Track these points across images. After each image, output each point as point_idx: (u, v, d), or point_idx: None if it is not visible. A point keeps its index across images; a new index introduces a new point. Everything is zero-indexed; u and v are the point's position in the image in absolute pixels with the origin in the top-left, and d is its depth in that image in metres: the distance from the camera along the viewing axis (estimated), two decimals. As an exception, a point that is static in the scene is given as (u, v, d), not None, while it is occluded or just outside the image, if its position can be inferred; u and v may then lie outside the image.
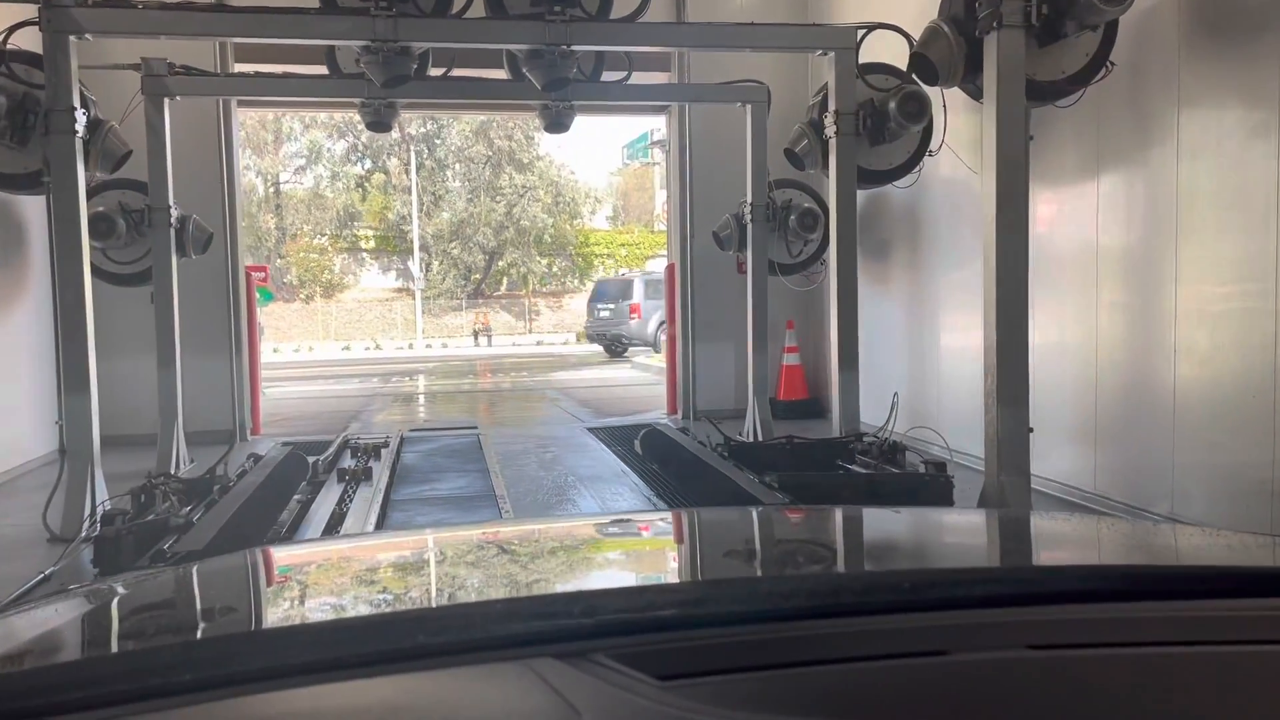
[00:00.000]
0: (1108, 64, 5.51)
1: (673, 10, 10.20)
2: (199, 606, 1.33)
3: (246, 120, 41.22)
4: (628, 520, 2.10)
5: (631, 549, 1.62)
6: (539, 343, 39.51)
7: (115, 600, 1.34)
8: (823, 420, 10.85)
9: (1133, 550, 1.49)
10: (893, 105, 7.18)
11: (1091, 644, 0.93)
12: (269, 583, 1.42)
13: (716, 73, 9.90)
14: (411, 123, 43.47)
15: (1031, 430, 5.39)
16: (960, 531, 1.68)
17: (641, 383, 18.24)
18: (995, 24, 5.07)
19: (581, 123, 9.58)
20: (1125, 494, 6.05)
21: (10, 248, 8.24)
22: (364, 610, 1.23)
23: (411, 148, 44.10)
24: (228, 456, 7.14)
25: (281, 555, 1.70)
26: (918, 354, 8.95)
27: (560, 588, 1.36)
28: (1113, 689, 0.87)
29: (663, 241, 47.12)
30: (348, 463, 8.66)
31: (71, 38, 6.13)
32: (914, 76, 6.26)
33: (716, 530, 1.72)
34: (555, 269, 46.95)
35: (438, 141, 44.87)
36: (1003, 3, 5.02)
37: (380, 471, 8.31)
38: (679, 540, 1.64)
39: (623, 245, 47.87)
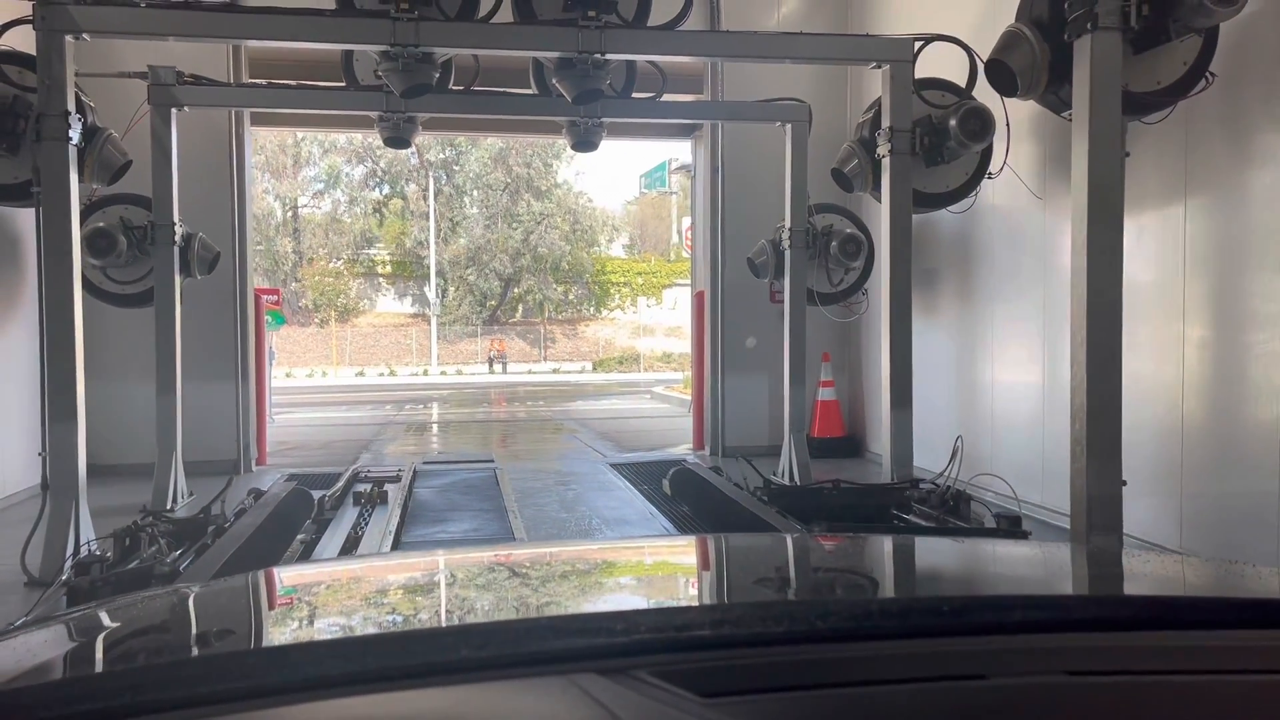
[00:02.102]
0: (1208, 75, 4.94)
1: (707, 25, 9.71)
2: (249, 618, 1.35)
3: (266, 143, 41.25)
4: (659, 544, 2.18)
5: (666, 571, 1.64)
6: (555, 370, 39.04)
7: (168, 609, 1.39)
8: (859, 460, 10.25)
9: (1173, 581, 1.48)
10: (953, 122, 6.63)
11: (1131, 671, 0.94)
12: (309, 597, 1.43)
13: (749, 94, 9.41)
14: (430, 148, 43.35)
15: (1125, 483, 4.77)
16: (998, 560, 1.68)
17: (663, 414, 17.65)
18: (1089, 26, 4.51)
19: (600, 151, 9.08)
20: (1216, 549, 5.42)
21: (2, 265, 7.74)
22: (407, 624, 1.25)
23: (430, 173, 43.92)
24: (226, 492, 6.57)
25: (317, 572, 1.76)
26: (969, 391, 8.34)
27: (599, 606, 1.39)
28: (1151, 716, 0.90)
29: (680, 270, 47.00)
30: (355, 501, 8.12)
31: (68, 38, 5.64)
32: (981, 87, 5.70)
33: (749, 555, 1.73)
34: (571, 296, 46.60)
35: (456, 168, 44.69)
36: (1098, 2, 4.46)
37: (391, 509, 7.76)
38: (712, 563, 1.64)
39: (639, 274, 47.58)
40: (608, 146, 9.10)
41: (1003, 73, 5.18)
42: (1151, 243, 5.87)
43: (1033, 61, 4.95)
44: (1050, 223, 7.07)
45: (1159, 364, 5.80)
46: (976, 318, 8.19)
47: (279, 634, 1.27)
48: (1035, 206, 7.19)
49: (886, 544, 1.77)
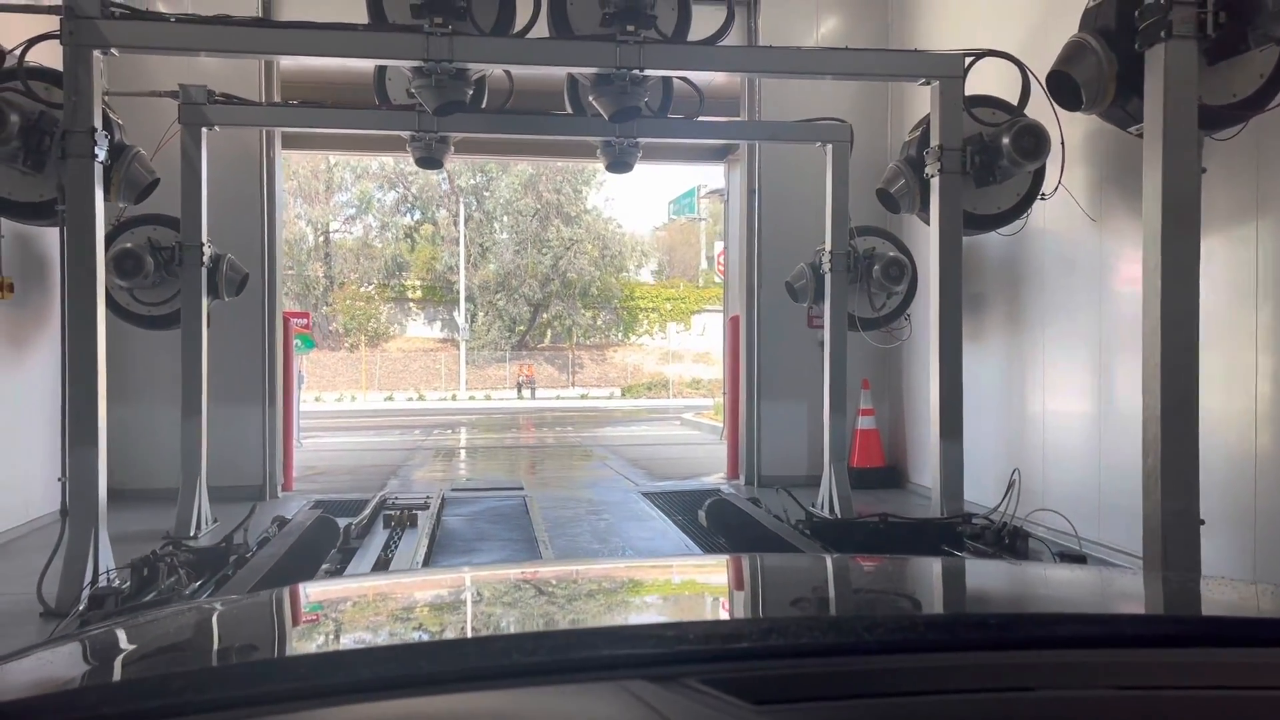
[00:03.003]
0: (1287, 87, 4.65)
1: (745, 43, 9.52)
2: (304, 627, 1.39)
3: (299, 169, 41.61)
4: (701, 562, 2.21)
5: (710, 586, 1.66)
6: (583, 396, 38.84)
7: (226, 615, 1.43)
8: (901, 491, 9.91)
9: (1225, 602, 1.48)
10: (1006, 140, 6.36)
11: (1180, 686, 0.95)
12: (359, 607, 1.45)
13: (786, 116, 9.20)
14: (461, 174, 43.56)
15: (1203, 522, 4.45)
16: (1044, 580, 1.67)
17: (694, 441, 17.36)
18: (1162, 34, 4.24)
19: (629, 177, 8.90)
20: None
21: (30, 285, 7.63)
22: (461, 632, 1.29)
23: (460, 199, 44.11)
24: (249, 521, 6.37)
25: (362, 586, 1.79)
26: (1018, 421, 8.00)
27: (647, 617, 1.44)
28: None
29: (709, 296, 46.83)
30: (385, 525, 7.91)
31: (96, 53, 5.51)
32: (1031, 106, 5.43)
33: (791, 572, 1.76)
34: (599, 322, 46.51)
35: (487, 194, 44.87)
36: (1172, 9, 4.19)
37: (419, 537, 7.54)
38: (755, 579, 1.65)
39: (668, 299, 47.46)
40: (638, 172, 8.90)
41: (1065, 86, 4.91)
42: (1221, 266, 5.54)
43: (1099, 73, 4.68)
44: (1106, 246, 6.76)
45: (1230, 395, 5.46)
46: (1026, 344, 7.87)
47: (336, 640, 1.31)
48: (1090, 229, 6.89)
49: (929, 564, 1.80)
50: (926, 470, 9.57)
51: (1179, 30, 4.23)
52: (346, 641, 1.30)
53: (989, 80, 6.99)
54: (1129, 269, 6.63)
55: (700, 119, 8.47)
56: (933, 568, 1.76)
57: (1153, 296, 4.39)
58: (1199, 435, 4.49)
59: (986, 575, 1.73)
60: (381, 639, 1.27)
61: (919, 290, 8.84)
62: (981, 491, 7.62)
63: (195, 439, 7.75)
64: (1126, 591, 1.61)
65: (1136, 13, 4.39)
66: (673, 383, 40.83)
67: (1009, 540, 5.55)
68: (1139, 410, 6.39)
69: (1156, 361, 4.36)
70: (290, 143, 11.96)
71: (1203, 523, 4.44)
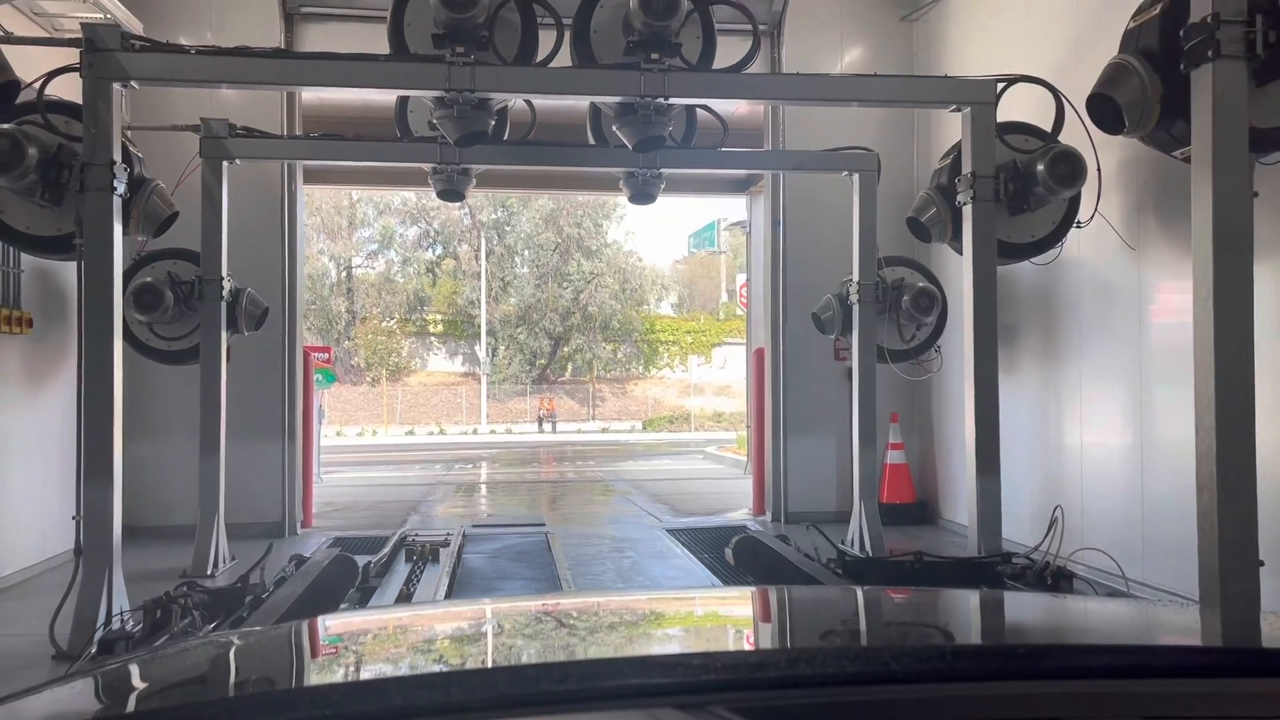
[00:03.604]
0: (1339, 108, 4.46)
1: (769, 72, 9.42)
2: (336, 656, 1.39)
3: (322, 205, 41.97)
4: (726, 594, 2.31)
5: (736, 617, 1.66)
6: (604, 430, 38.65)
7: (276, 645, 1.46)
8: (932, 528, 9.66)
9: (1256, 635, 1.47)
10: (1041, 167, 6.19)
11: (1211, 717, 0.98)
12: (390, 638, 1.47)
13: (810, 146, 9.09)
14: (483, 209, 43.80)
15: (1262, 563, 4.22)
16: (1069, 612, 1.65)
17: (717, 476, 17.13)
18: (1209, 54, 4.08)
19: (649, 210, 8.80)
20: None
21: (49, 320, 7.57)
22: (489, 661, 1.30)
23: (482, 234, 44.31)
24: (265, 559, 6.22)
25: (395, 616, 1.85)
26: (1054, 454, 7.76)
27: (674, 647, 1.44)
28: None
29: (729, 328, 46.68)
30: (407, 558, 7.83)
31: (116, 85, 5.46)
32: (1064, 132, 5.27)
33: (818, 604, 1.75)
34: (620, 355, 46.43)
35: (508, 228, 45.07)
36: (1220, 28, 4.04)
37: (439, 576, 7.38)
38: (784, 610, 1.64)
39: (688, 332, 47.37)
40: (658, 205, 8.79)
41: (1105, 109, 4.75)
42: (1269, 295, 5.34)
43: (1142, 95, 4.52)
44: (1145, 274, 6.57)
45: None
46: (1062, 376, 7.65)
47: (366, 670, 1.33)
48: (1128, 258, 6.70)
49: (956, 596, 1.79)
50: (959, 506, 9.33)
51: (1227, 50, 4.06)
52: (376, 671, 1.31)
53: (1020, 107, 6.85)
54: (1170, 298, 6.43)
55: (724, 149, 8.37)
56: (960, 599, 1.74)
57: (1204, 327, 4.19)
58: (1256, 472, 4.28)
59: (1016, 607, 1.72)
60: (408, 669, 1.28)
61: (949, 321, 8.66)
62: (1017, 528, 7.38)
63: (213, 475, 7.64)
64: (1163, 621, 1.59)
65: (1181, 33, 4.24)
66: (694, 416, 40.59)
67: (1052, 581, 5.32)
68: (1183, 444, 6.17)
69: (1210, 397, 4.16)
70: (312, 178, 11.96)
71: (1262, 564, 4.21)
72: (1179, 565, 6.16)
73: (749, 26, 6.20)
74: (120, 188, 5.51)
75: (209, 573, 7.36)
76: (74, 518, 5.62)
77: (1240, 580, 4.11)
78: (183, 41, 7.69)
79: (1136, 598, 5.85)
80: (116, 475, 5.59)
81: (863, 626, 1.52)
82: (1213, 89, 4.11)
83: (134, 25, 7.38)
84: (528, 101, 7.46)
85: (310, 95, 9.91)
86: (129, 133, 6.84)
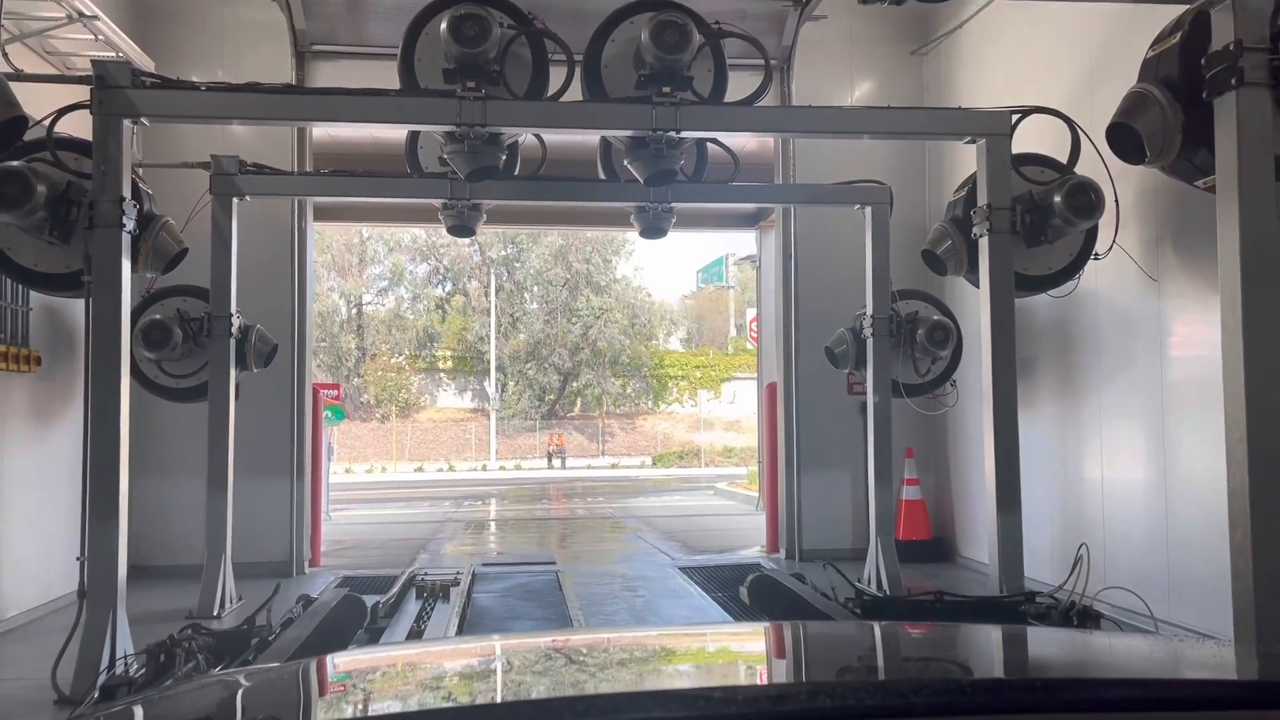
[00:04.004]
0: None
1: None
2: (347, 695, 1.37)
3: (332, 242, 42.17)
4: (738, 630, 2.31)
5: (753, 653, 1.65)
6: (614, 465, 38.48)
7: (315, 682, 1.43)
8: (949, 565, 9.49)
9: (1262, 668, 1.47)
10: (1058, 198, 6.12)
11: None
12: (402, 675, 1.45)
13: (820, 179, 9.06)
14: (492, 246, 43.97)
15: (1301, 602, 4.08)
16: (1091, 646, 1.65)
17: (729, 512, 16.95)
18: (1232, 82, 4.01)
19: (659, 245, 8.77)
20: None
21: (57, 358, 7.52)
22: (509, 696, 1.30)
23: (491, 270, 44.44)
24: (272, 601, 6.11)
25: (418, 652, 1.90)
26: (1075, 490, 7.62)
27: (694, 681, 1.44)
28: None
29: (739, 363, 46.50)
30: (417, 596, 7.75)
31: (126, 122, 5.45)
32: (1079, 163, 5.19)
33: (836, 639, 1.74)
34: (629, 390, 46.34)
35: (517, 264, 45.22)
36: (1242, 55, 3.97)
37: (449, 616, 7.26)
38: (800, 646, 1.64)
39: (697, 367, 47.30)
40: (667, 241, 8.76)
41: (1125, 139, 4.68)
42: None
43: (1164, 124, 4.45)
44: (1165, 306, 6.47)
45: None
46: (1081, 410, 7.53)
47: (378, 707, 1.31)
48: (1147, 290, 6.60)
49: (975, 630, 1.77)
50: (977, 543, 9.17)
51: (1250, 77, 4.00)
52: (386, 708, 1.30)
53: (1032, 139, 6.79)
54: (1191, 330, 6.33)
55: (735, 183, 8.32)
56: (979, 634, 1.73)
57: (1234, 359, 4.09)
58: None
59: (1037, 641, 1.72)
60: (419, 705, 1.27)
61: (964, 355, 8.56)
62: (1037, 565, 7.22)
63: (221, 514, 7.54)
64: (1184, 657, 1.57)
65: (1203, 60, 4.17)
66: (704, 451, 40.38)
67: (1078, 621, 5.17)
68: (1207, 477, 6.05)
69: (1242, 431, 4.04)
70: (322, 215, 11.95)
71: (1300, 603, 4.07)
72: (1207, 603, 6.01)
73: (759, 61, 6.17)
74: (129, 224, 5.48)
75: (215, 614, 7.25)
76: (78, 559, 5.53)
77: (1277, 616, 3.97)
78: (194, 80, 7.70)
79: (1164, 635, 5.69)
80: (122, 516, 5.50)
81: (880, 661, 1.51)
82: (1237, 117, 4.04)
83: (146, 64, 7.40)
84: (538, 137, 7.44)
85: (321, 133, 9.93)
86: (139, 170, 6.83)
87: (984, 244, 6.14)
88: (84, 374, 6.52)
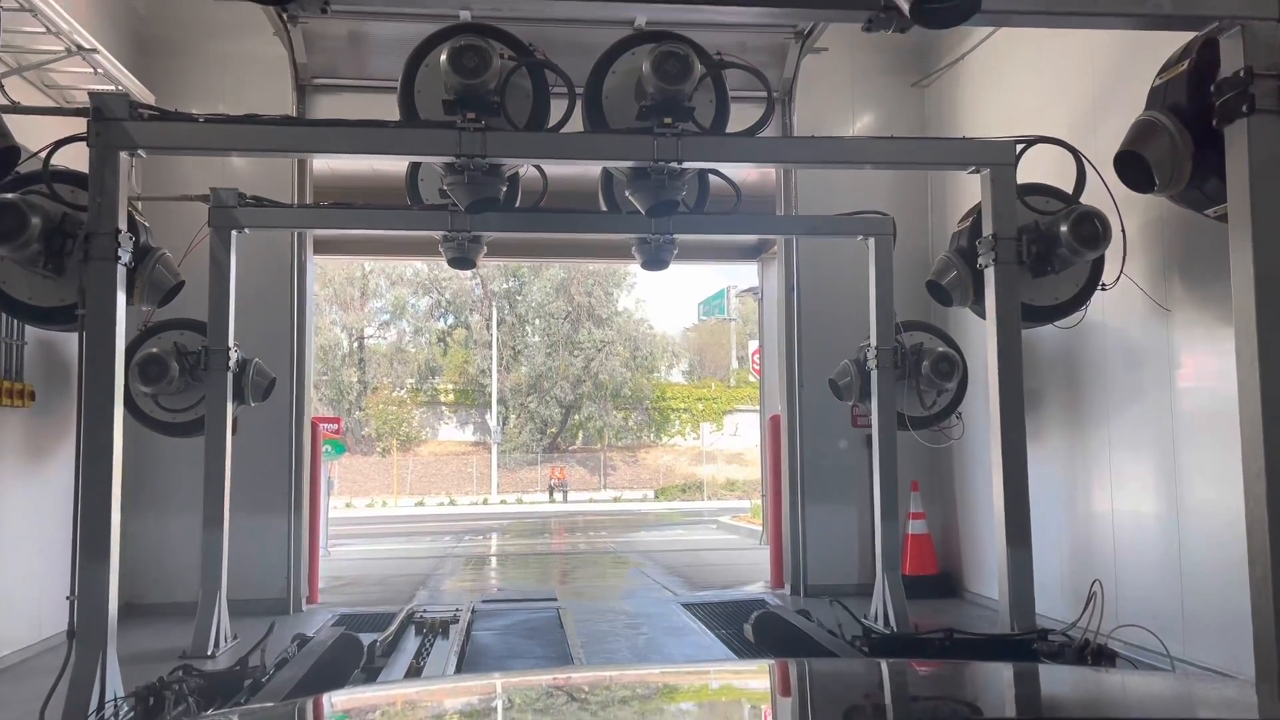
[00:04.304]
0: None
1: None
2: None
3: (334, 276, 42.24)
4: (740, 667, 2.41)
5: (756, 692, 1.63)
6: (616, 499, 38.25)
7: None
8: (957, 601, 9.34)
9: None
10: (1064, 228, 6.06)
11: None
12: (403, 714, 1.42)
13: (822, 211, 9.02)
14: (494, 279, 44.03)
15: (1325, 641, 3.95)
16: (1104, 684, 1.59)
17: (732, 547, 16.77)
18: (1244, 109, 3.95)
19: (660, 277, 8.71)
20: None
21: (52, 393, 7.43)
22: None
23: (493, 303, 44.47)
24: (267, 640, 5.97)
25: (409, 691, 1.89)
26: (1083, 524, 7.49)
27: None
28: None
29: (741, 395, 46.38)
30: (416, 632, 7.64)
31: (123, 154, 5.40)
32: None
33: (840, 678, 1.70)
34: (631, 423, 46.20)
35: (519, 297, 45.25)
36: (1253, 82, 3.91)
37: (448, 655, 7.11)
38: (802, 684, 1.59)
39: (699, 399, 47.17)
40: (668, 274, 8.70)
41: (1136, 167, 4.62)
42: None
43: (1173, 153, 4.39)
44: (1174, 337, 6.38)
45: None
46: (1089, 443, 7.42)
47: None
48: (1155, 320, 6.52)
49: (983, 669, 1.73)
50: (985, 578, 9.02)
51: (1262, 104, 3.94)
52: None
53: (1035, 169, 6.73)
54: (1201, 361, 6.24)
55: (737, 214, 8.26)
56: (991, 672, 1.68)
57: (1250, 391, 3.99)
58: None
59: (1050, 680, 1.67)
60: None
61: (970, 387, 8.47)
62: (1047, 600, 7.06)
63: (216, 551, 7.42)
64: (1201, 697, 1.53)
65: (1213, 87, 4.12)
66: (707, 484, 40.15)
67: (1093, 660, 5.03)
68: (1222, 512, 5.93)
69: (1260, 464, 3.94)
70: (323, 248, 11.90)
71: (1324, 642, 3.95)
72: (1222, 640, 5.87)
73: (761, 93, 6.13)
74: (125, 257, 5.41)
75: (209, 653, 7.11)
76: (68, 598, 5.41)
77: (1302, 661, 3.85)
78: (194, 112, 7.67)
79: (1183, 674, 5.55)
80: (114, 554, 5.39)
81: (890, 700, 1.47)
82: (1248, 144, 3.97)
83: (146, 98, 7.39)
84: (539, 168, 7.40)
85: (321, 166, 9.91)
86: (137, 203, 6.79)
87: (990, 274, 6.07)
88: (76, 409, 6.44)
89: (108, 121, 5.32)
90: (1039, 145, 6.38)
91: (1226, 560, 5.88)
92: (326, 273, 41.19)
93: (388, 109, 6.16)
